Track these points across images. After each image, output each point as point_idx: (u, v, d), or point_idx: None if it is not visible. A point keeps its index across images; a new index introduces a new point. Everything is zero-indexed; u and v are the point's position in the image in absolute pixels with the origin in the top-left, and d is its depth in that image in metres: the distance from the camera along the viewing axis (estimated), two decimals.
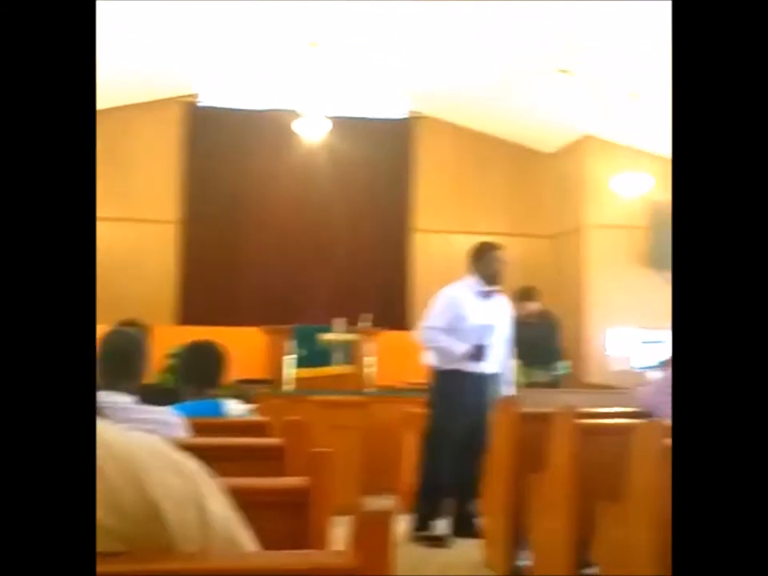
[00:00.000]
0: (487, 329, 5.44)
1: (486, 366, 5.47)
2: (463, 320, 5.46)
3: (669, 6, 6.23)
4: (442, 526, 5.50)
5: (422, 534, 5.43)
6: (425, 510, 5.49)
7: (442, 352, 5.52)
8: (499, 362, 5.58)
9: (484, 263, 5.55)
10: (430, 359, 5.63)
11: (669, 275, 7.35)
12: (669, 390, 4.18)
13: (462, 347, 5.41)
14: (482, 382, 5.48)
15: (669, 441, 2.97)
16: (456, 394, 5.49)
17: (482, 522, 5.34)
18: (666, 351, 9.12)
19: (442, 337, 5.47)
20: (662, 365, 6.78)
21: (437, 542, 5.39)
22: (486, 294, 5.54)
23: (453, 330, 5.44)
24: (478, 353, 5.40)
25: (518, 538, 4.55)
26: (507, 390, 5.62)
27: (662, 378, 4.48)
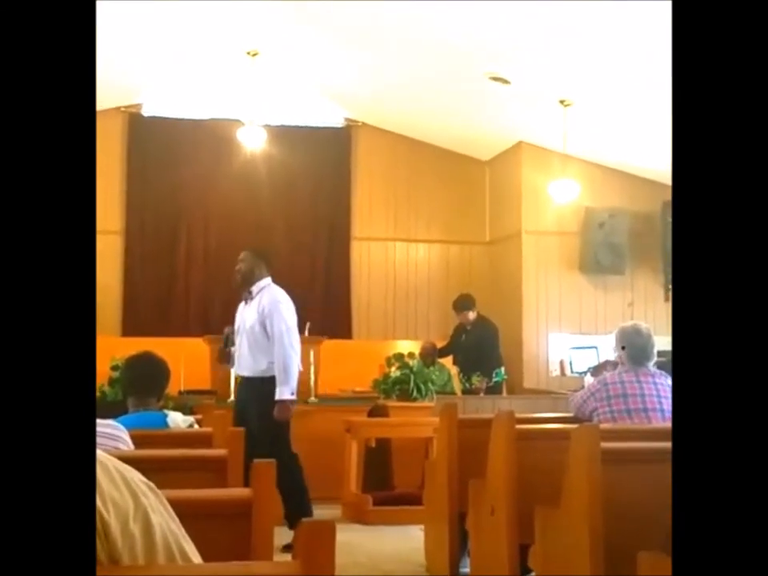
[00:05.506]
0: (231, 331, 6.00)
1: (238, 370, 5.89)
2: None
3: (597, 11, 6.29)
4: None
5: None
6: None
7: None
8: (249, 365, 5.74)
9: None
10: None
11: (596, 280, 7.36)
12: (600, 395, 4.25)
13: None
14: (240, 386, 5.93)
15: (605, 444, 3.04)
16: None
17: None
18: (596, 356, 9.26)
19: None
20: (592, 370, 6.87)
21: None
22: (245, 299, 6.09)
23: None
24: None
25: (460, 544, 4.59)
26: (282, 392, 5.52)
27: (593, 383, 4.53)
